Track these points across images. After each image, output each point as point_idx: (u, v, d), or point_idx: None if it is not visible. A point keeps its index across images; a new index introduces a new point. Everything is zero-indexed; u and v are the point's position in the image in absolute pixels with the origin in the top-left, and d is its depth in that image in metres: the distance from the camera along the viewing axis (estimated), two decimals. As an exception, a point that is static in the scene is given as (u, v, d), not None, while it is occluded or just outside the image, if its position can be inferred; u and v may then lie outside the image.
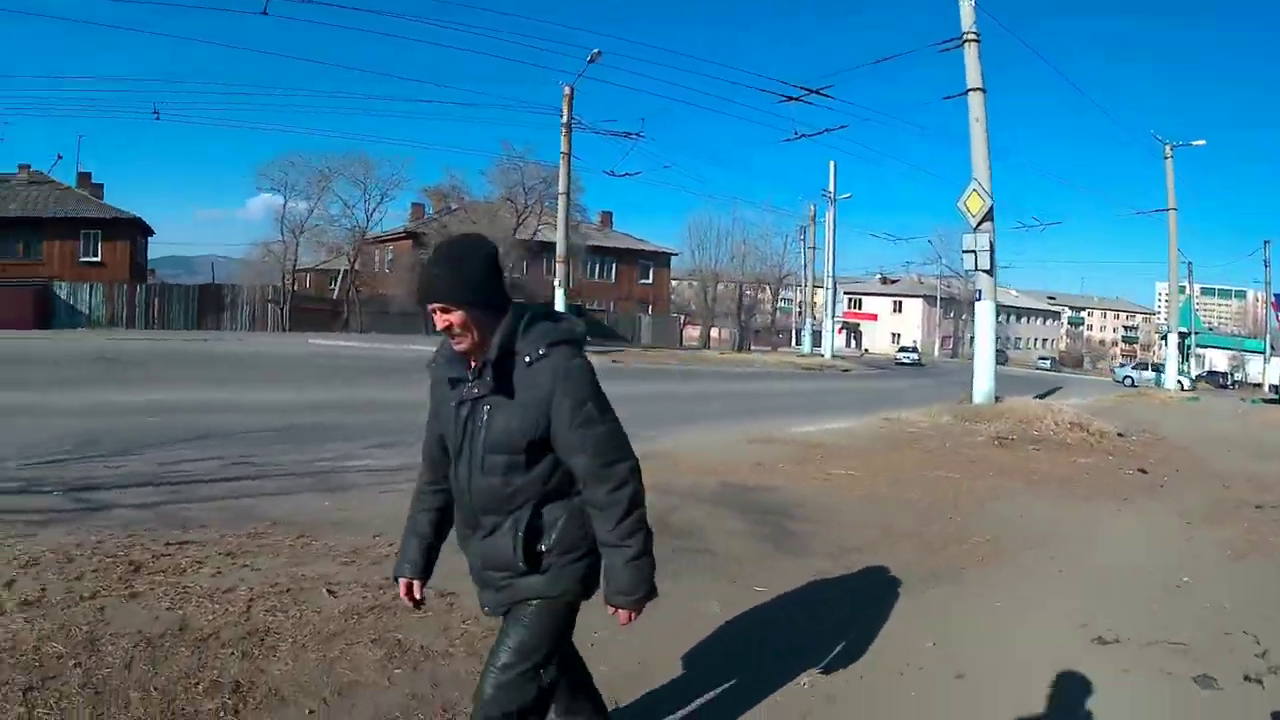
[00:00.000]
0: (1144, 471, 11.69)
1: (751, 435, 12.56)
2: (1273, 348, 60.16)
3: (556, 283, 32.87)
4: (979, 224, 18.02)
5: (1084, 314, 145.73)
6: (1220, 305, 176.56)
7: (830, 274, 50.03)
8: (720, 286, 60.41)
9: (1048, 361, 80.00)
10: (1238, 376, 69.39)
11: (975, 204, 18.09)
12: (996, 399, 17.77)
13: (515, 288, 42.23)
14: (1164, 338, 41.12)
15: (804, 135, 25.86)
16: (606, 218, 61.02)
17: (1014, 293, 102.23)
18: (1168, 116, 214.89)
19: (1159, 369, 49.20)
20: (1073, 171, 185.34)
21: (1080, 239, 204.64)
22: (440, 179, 44.61)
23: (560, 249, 33.26)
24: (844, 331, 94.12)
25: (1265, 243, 55.91)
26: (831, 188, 47.61)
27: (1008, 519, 8.19)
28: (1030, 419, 15.08)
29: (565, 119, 32.53)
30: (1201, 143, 35.24)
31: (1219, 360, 77.12)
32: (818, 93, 24.50)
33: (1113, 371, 61.79)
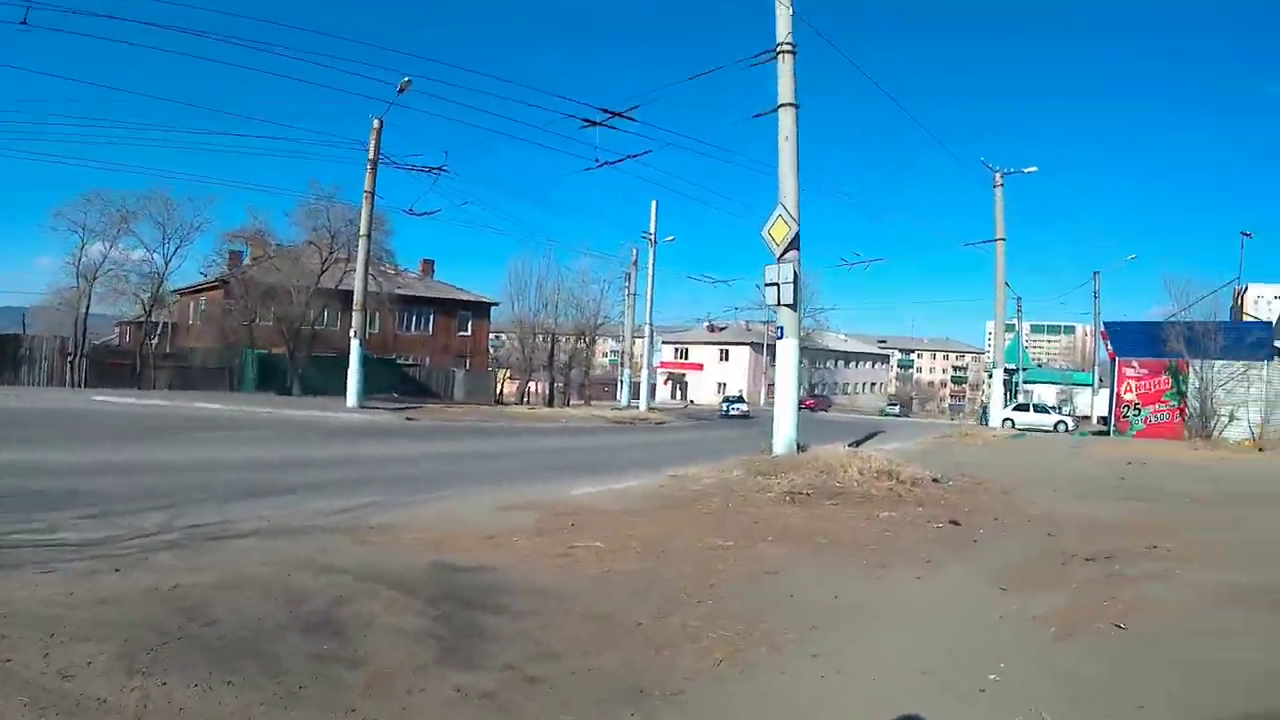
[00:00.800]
0: (957, 524, 10.23)
1: (508, 501, 10.83)
2: (1100, 380, 61.77)
3: (353, 333, 30.61)
4: (783, 253, 16.69)
5: (914, 356, 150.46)
6: (1050, 341, 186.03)
7: (649, 322, 48.66)
8: (539, 338, 58.38)
9: (896, 407, 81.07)
10: (1067, 410, 71.00)
11: (780, 231, 16.74)
12: (801, 448, 16.24)
13: (318, 339, 39.62)
14: (990, 374, 40.87)
15: (606, 163, 24.16)
16: (428, 266, 59.44)
17: (843, 336, 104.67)
18: (1001, 143, 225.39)
19: (1043, 409, 50.69)
20: (903, 204, 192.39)
21: (911, 277, 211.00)
22: (245, 221, 40.89)
23: (358, 296, 30.97)
24: (669, 383, 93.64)
25: (1095, 274, 58.46)
26: (652, 229, 46.34)
27: (775, 599, 6.50)
28: (834, 469, 13.57)
29: (372, 154, 30.17)
30: (1033, 169, 35.95)
31: (1048, 395, 79.45)
32: (622, 115, 22.73)
33: (984, 412, 60.68)
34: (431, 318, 56.44)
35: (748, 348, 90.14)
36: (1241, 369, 28.39)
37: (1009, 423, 46.59)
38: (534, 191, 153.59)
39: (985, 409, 48.05)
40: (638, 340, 52.46)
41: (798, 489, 12.07)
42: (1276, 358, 29.96)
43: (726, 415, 51.57)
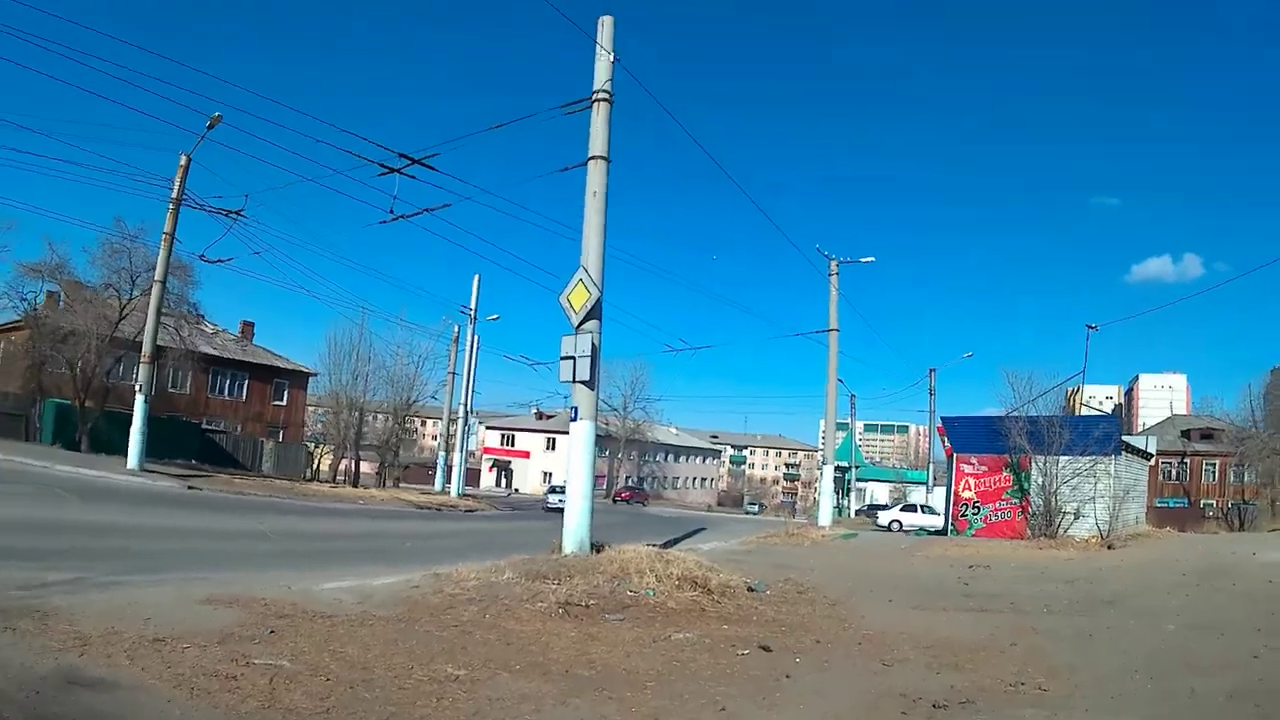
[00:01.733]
0: (768, 649, 8.28)
1: (223, 592, 8.94)
2: (935, 477, 62.56)
3: (137, 387, 28.20)
4: (581, 322, 14.90)
5: (746, 452, 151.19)
6: (883, 440, 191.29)
7: (465, 404, 46.09)
8: (353, 413, 54.80)
9: (756, 506, 79.99)
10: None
11: (580, 297, 14.97)
12: (597, 548, 14.13)
13: (114, 393, 36.72)
14: (822, 469, 39.40)
15: (401, 216, 21.57)
16: (248, 328, 56.78)
17: (674, 429, 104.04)
18: (843, 238, 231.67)
19: (930, 510, 48.48)
20: (744, 292, 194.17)
21: (745, 370, 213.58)
22: (44, 254, 36.44)
23: (146, 346, 28.50)
24: (495, 470, 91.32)
25: (930, 370, 60.26)
26: (473, 305, 44.27)
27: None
28: (630, 573, 11.57)
29: (175, 193, 28.06)
30: (869, 259, 35.13)
31: (880, 494, 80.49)
32: (420, 163, 20.32)
33: (874, 515, 57.84)
34: (246, 383, 53.76)
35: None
36: (1088, 464, 27.85)
37: (897, 524, 45.87)
38: (343, 247, 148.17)
39: (927, 509, 47.71)
40: (456, 423, 49.75)
41: (576, 599, 9.97)
42: (1123, 452, 29.46)
43: (548, 508, 48.56)
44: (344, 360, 47.89)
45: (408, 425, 61.32)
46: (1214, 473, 70.27)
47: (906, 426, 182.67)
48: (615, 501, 49.22)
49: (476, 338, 45.39)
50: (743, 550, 21.19)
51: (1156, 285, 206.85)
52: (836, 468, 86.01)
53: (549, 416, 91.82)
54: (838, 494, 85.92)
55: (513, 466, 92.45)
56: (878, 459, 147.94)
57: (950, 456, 33.22)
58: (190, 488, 26.80)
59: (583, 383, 14.68)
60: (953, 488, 32.14)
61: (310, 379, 56.75)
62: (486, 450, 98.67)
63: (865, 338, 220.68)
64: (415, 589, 10.43)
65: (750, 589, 12.41)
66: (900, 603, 12.68)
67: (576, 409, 14.99)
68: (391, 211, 21.49)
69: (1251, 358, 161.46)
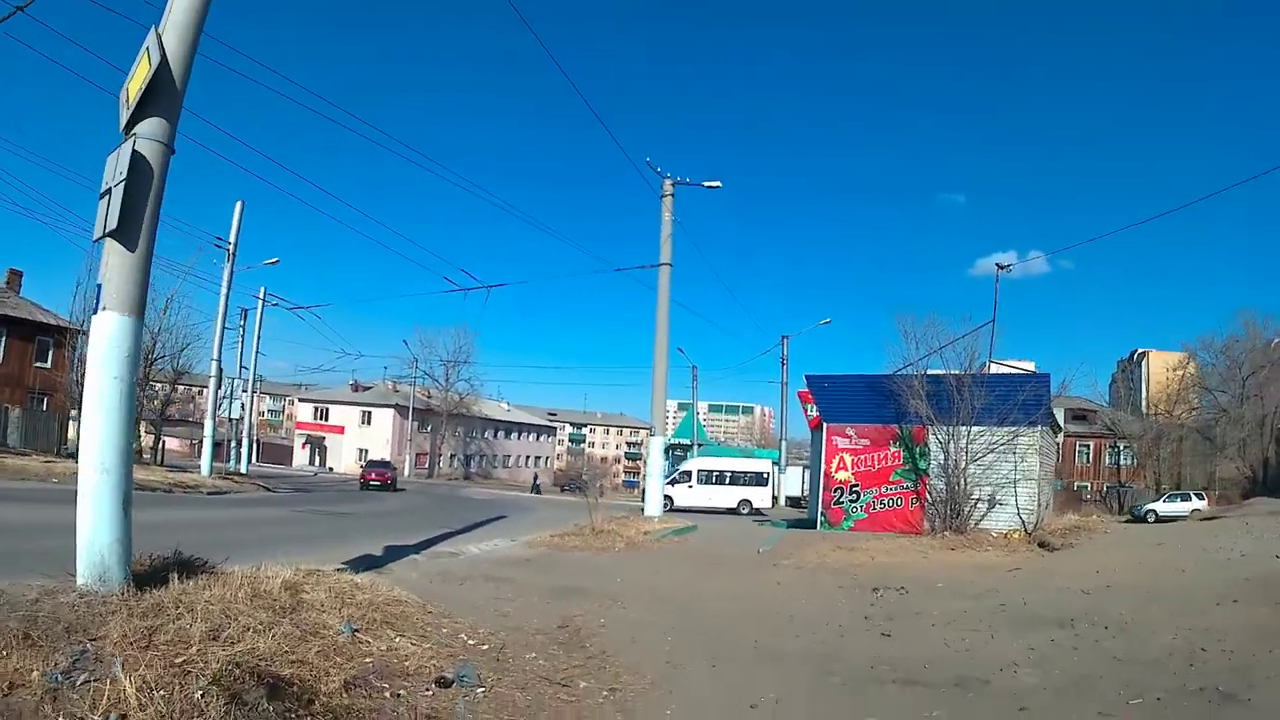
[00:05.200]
0: None
1: None
2: (787, 454, 58.41)
3: None
4: (133, 121, 7.23)
5: (586, 430, 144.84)
6: (728, 420, 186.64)
7: (217, 357, 36.74)
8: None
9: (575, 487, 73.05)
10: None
11: (139, 76, 7.32)
12: (187, 567, 6.96)
13: None
14: (651, 439, 31.14)
15: None
16: (15, 278, 46.36)
17: (505, 405, 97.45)
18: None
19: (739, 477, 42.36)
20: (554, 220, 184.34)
21: (585, 351, 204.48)
22: None
23: None
24: (307, 446, 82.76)
25: (784, 338, 56.57)
26: (232, 236, 35.40)
27: None
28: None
29: None
30: (715, 184, 27.40)
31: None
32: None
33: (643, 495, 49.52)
34: (3, 341, 43.25)
35: (392, 410, 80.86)
36: (1006, 436, 21.06)
37: (668, 499, 38.36)
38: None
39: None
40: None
41: None
42: (1049, 424, 23.08)
43: (369, 486, 42.75)
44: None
45: (180, 391, 52.45)
46: (1088, 454, 68.56)
47: (752, 408, 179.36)
48: (363, 486, 40.79)
49: (233, 274, 36.60)
50: (521, 557, 14.56)
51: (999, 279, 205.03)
52: (678, 446, 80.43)
53: (366, 388, 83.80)
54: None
55: (326, 443, 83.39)
56: (723, 439, 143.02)
57: (819, 427, 25.86)
58: None
59: (114, 236, 7.12)
60: (822, 467, 24.80)
61: (80, 336, 47.00)
62: (300, 425, 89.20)
63: (708, 297, 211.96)
64: None
65: (445, 682, 5.77)
66: (785, 701, 6.20)
67: (101, 290, 7.30)
68: None
69: (1094, 350, 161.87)
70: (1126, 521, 39.52)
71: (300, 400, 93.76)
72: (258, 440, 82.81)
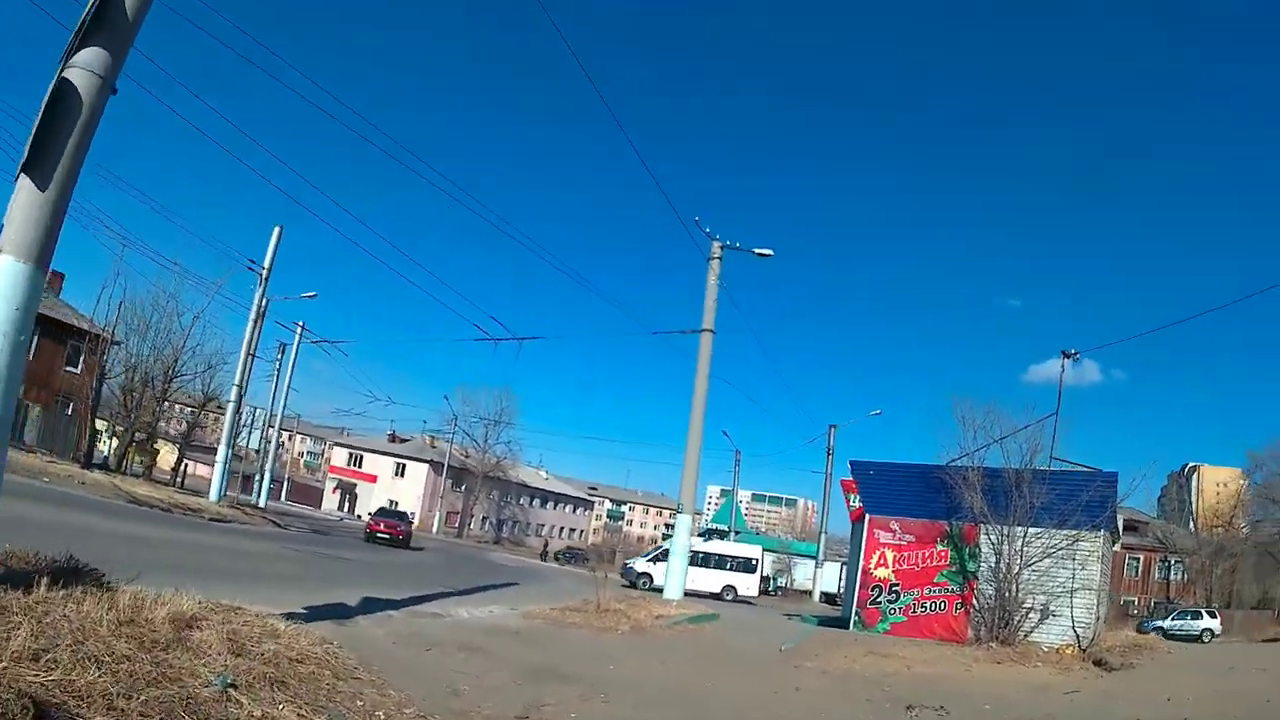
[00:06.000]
0: None
1: None
2: (825, 551, 55.38)
3: None
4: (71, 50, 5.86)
5: (625, 507, 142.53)
6: (770, 511, 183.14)
7: (240, 384, 35.42)
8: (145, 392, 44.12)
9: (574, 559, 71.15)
10: (781, 582, 64.75)
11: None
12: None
13: None
14: (678, 515, 27.05)
15: None
16: (56, 279, 45.19)
17: (544, 474, 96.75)
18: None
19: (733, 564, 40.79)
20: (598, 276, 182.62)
21: (625, 427, 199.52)
22: None
23: None
24: (338, 491, 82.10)
25: (831, 427, 53.16)
26: (267, 261, 34.40)
27: None
28: None
29: None
30: (767, 252, 25.31)
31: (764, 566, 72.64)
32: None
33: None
34: (36, 341, 41.30)
35: (427, 465, 79.45)
36: (1066, 540, 18.72)
37: (646, 580, 36.94)
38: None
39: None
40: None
41: None
42: (1112, 529, 20.65)
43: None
44: (145, 329, 38.16)
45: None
46: (1138, 567, 65.64)
47: (795, 499, 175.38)
48: (368, 538, 35.45)
49: (267, 300, 35.52)
50: (512, 628, 12.98)
51: (1053, 387, 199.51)
52: (715, 531, 77.98)
53: (403, 440, 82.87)
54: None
55: (358, 491, 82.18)
56: (764, 530, 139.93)
57: (860, 518, 23.72)
58: None
59: (26, 171, 6.08)
60: (861, 563, 22.40)
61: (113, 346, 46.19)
62: (332, 469, 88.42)
63: (752, 377, 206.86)
64: None
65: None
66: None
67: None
68: None
69: (1144, 462, 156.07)
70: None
71: (336, 444, 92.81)
72: (289, 479, 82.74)
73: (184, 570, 12.72)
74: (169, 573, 9.65)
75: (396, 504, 75.18)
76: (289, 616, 8.60)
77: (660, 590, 27.11)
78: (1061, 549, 18.48)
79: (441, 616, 13.02)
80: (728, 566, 40.41)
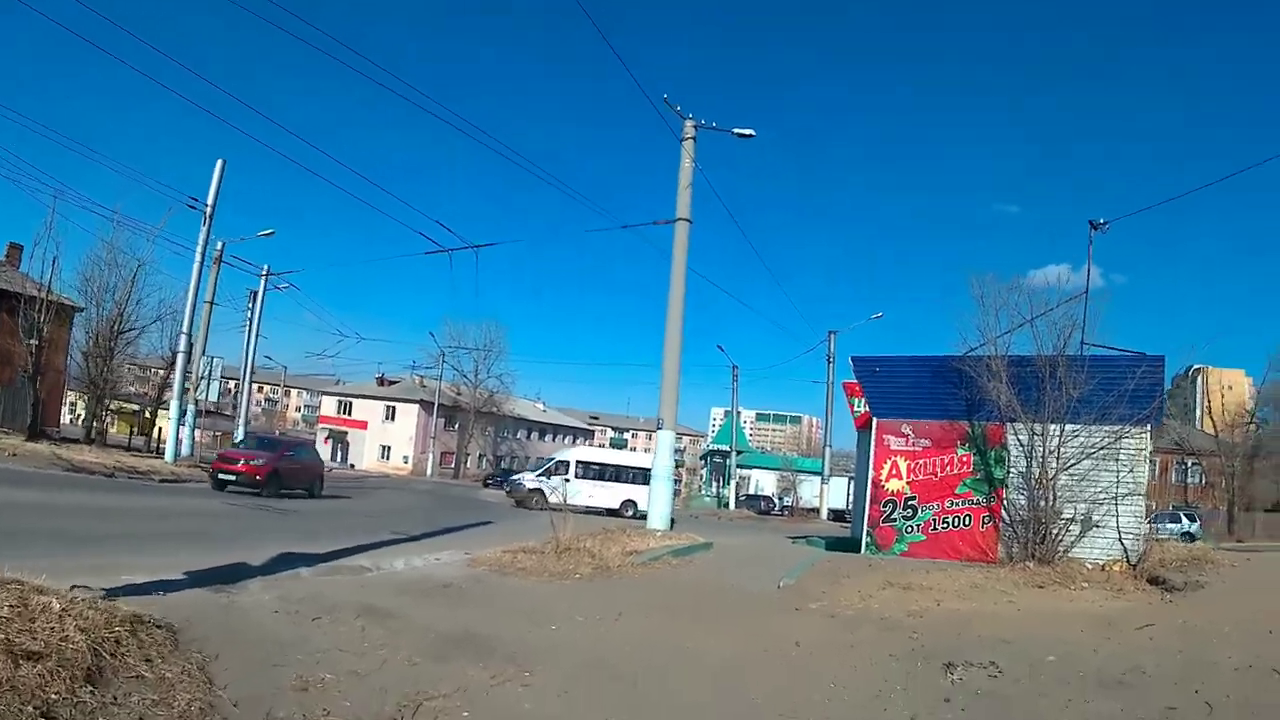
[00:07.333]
0: None
1: None
2: (831, 465, 53.85)
3: None
4: None
5: (627, 435, 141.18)
6: (775, 430, 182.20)
7: (188, 330, 32.93)
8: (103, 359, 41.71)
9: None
10: (788, 501, 63.45)
11: None
12: None
13: None
14: (659, 428, 23.05)
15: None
16: (15, 250, 43.39)
17: (540, 406, 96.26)
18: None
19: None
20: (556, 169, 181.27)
21: (621, 350, 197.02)
22: None
23: None
24: (330, 441, 79.59)
25: (830, 333, 51.87)
26: (210, 197, 31.90)
27: None
28: None
29: None
30: (748, 132, 22.05)
31: (767, 483, 70.91)
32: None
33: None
34: None
35: (417, 406, 77.98)
36: (1108, 438, 15.66)
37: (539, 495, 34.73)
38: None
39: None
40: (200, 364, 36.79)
41: None
42: (1160, 423, 17.97)
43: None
44: (105, 291, 35.95)
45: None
46: (1154, 471, 62.46)
47: (800, 417, 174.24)
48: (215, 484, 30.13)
49: (222, 244, 33.48)
50: (444, 580, 10.71)
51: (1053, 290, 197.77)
52: (717, 452, 75.96)
53: (392, 382, 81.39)
54: (716, 481, 76.34)
55: (349, 439, 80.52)
56: (769, 449, 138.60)
57: (866, 425, 20.90)
58: None
59: None
60: (870, 475, 19.46)
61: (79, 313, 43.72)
62: (323, 419, 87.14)
63: (749, 285, 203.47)
64: None
65: None
66: None
67: None
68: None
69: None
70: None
71: (324, 394, 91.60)
72: (281, 434, 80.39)
73: (65, 537, 11.39)
74: (45, 540, 9.46)
75: (390, 449, 73.80)
76: (165, 584, 7.67)
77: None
78: (1103, 448, 15.76)
79: (366, 570, 10.98)
80: (628, 479, 37.30)
